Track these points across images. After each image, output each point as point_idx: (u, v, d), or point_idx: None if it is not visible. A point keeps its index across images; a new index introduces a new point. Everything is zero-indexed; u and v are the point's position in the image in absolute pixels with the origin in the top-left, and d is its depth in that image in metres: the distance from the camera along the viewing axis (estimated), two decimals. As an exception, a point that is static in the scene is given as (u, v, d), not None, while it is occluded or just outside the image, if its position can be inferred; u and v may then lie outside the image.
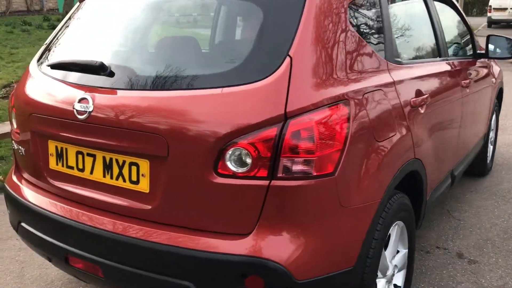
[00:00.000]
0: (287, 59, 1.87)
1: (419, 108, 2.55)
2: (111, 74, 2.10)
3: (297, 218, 1.86)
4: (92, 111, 2.06)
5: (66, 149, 2.22)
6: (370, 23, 2.39)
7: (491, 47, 3.92)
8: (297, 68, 1.87)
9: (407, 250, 2.58)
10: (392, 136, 2.22)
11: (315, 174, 1.82)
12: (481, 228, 3.82)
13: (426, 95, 2.62)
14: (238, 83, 1.88)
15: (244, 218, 1.87)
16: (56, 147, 2.25)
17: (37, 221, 2.32)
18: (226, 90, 1.88)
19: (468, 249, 3.49)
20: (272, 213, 1.85)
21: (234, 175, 1.85)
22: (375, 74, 2.24)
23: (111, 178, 2.10)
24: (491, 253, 3.45)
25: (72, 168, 2.21)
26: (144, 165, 2.00)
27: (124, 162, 2.05)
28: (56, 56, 2.45)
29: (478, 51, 3.96)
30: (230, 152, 1.84)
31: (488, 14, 23.13)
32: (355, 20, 2.24)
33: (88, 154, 2.15)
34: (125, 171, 2.05)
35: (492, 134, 4.91)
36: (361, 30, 2.27)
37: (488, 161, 4.85)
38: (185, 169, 1.90)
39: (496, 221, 3.96)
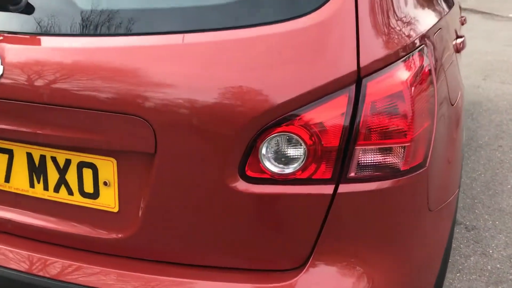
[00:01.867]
0: None
1: (459, 54, 1.92)
2: (29, 8, 1.20)
3: (373, 238, 1.17)
4: (1, 76, 1.16)
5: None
6: None
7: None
8: None
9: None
10: (459, 95, 1.57)
11: (403, 168, 1.12)
12: (462, 185, 3.42)
13: (463, 37, 1.99)
14: (270, 21, 1.09)
15: (291, 246, 1.15)
16: None
17: None
18: (250, 32, 1.09)
19: (460, 212, 3.08)
20: (336, 234, 1.14)
21: (273, 179, 1.10)
22: (427, 5, 1.55)
23: (46, 189, 1.24)
24: (484, 214, 3.07)
25: (-32, 173, 1.31)
26: (107, 168, 1.17)
27: (68, 162, 1.20)
28: None
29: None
30: (267, 142, 1.08)
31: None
32: None
33: (-1, 150, 1.26)
34: (71, 177, 1.21)
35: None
36: None
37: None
38: (186, 172, 1.11)
39: (473, 175, 3.60)
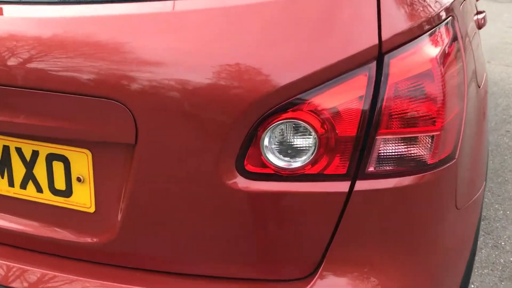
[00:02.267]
0: None
1: (479, 31, 1.74)
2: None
3: (392, 242, 1.00)
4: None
5: None
6: None
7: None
8: None
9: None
10: (484, 76, 1.40)
11: (430, 162, 0.95)
12: (470, 172, 3.26)
13: (484, 13, 1.80)
14: None
15: (297, 253, 0.98)
16: None
17: None
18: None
19: (469, 202, 2.92)
20: (351, 239, 0.97)
21: (277, 175, 0.93)
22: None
23: (11, 185, 1.07)
24: (494, 204, 2.91)
25: None
26: (81, 161, 0.99)
27: (35, 154, 1.03)
28: None
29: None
30: (270, 131, 0.91)
31: None
32: None
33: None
34: (40, 171, 1.03)
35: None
36: None
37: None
38: (173, 167, 0.93)
39: (481, 162, 3.43)
